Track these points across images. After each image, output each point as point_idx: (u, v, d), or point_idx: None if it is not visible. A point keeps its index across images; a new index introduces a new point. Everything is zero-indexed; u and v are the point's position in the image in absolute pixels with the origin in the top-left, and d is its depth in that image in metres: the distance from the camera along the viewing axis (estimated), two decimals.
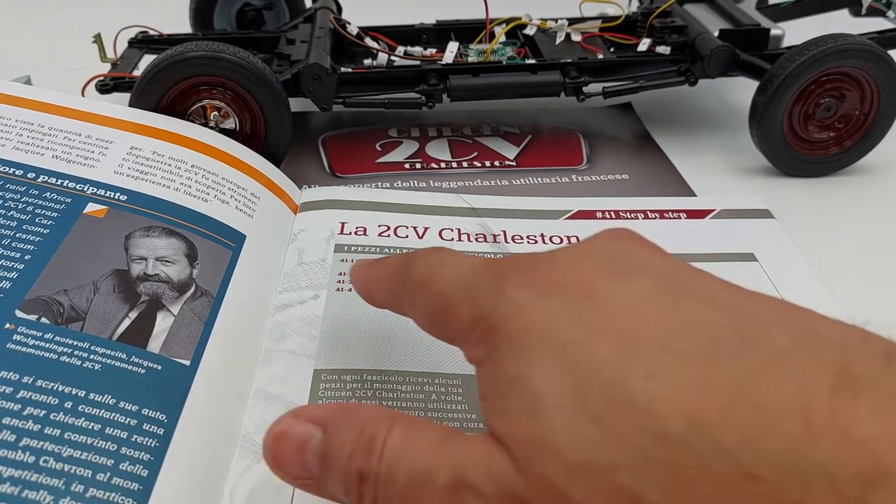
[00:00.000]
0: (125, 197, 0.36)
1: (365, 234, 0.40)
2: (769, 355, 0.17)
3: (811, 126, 0.46)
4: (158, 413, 0.27)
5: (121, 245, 0.34)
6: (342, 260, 0.38)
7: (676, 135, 0.53)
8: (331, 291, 0.36)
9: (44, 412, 0.26)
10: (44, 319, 0.29)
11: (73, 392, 0.27)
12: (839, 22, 0.54)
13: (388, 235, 0.40)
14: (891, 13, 0.54)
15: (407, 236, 0.40)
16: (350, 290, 0.36)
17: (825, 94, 0.46)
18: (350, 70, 0.48)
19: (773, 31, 0.49)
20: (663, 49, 0.50)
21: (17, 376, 0.26)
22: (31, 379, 0.26)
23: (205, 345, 0.31)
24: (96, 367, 0.28)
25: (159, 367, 0.29)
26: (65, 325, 0.29)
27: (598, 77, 0.49)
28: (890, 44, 0.50)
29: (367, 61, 0.50)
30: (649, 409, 0.17)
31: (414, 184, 0.47)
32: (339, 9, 0.55)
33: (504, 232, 0.41)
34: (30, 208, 0.34)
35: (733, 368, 0.17)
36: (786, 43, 0.50)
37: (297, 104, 0.48)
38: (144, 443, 0.26)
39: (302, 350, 0.33)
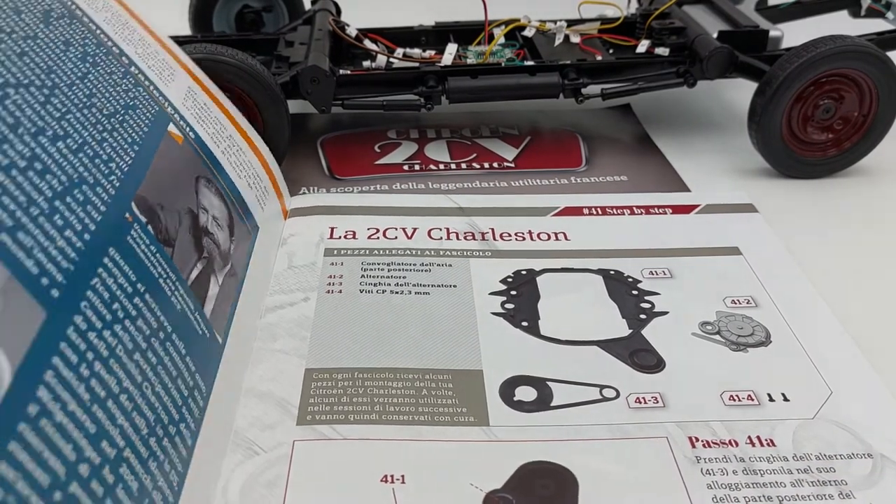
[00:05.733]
0: (193, 135, 0.35)
1: (354, 237, 0.40)
2: None
3: (810, 127, 0.46)
4: (203, 383, 0.26)
5: (192, 185, 0.32)
6: (332, 263, 0.38)
7: (675, 136, 0.53)
8: (321, 294, 0.36)
9: (143, 339, 0.23)
10: (149, 228, 0.27)
11: (165, 325, 0.25)
12: (838, 23, 0.54)
13: (378, 238, 0.40)
14: (890, 14, 0.54)
15: (396, 237, 0.41)
16: (341, 291, 0.36)
17: (824, 96, 0.45)
18: (349, 72, 0.48)
19: (772, 33, 0.49)
20: (662, 50, 0.50)
21: (135, 278, 0.24)
22: (144, 288, 0.25)
23: (230, 324, 0.29)
24: (178, 307, 0.26)
25: (208, 336, 0.28)
26: (161, 245, 0.27)
27: (596, 78, 0.49)
28: (889, 45, 0.50)
29: (366, 63, 0.50)
30: None
31: (413, 185, 0.47)
32: (338, 11, 0.55)
33: (492, 230, 0.41)
34: (131, 94, 0.31)
35: None
36: (785, 44, 0.50)
37: (295, 106, 0.48)
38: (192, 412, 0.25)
39: (293, 350, 0.33)
